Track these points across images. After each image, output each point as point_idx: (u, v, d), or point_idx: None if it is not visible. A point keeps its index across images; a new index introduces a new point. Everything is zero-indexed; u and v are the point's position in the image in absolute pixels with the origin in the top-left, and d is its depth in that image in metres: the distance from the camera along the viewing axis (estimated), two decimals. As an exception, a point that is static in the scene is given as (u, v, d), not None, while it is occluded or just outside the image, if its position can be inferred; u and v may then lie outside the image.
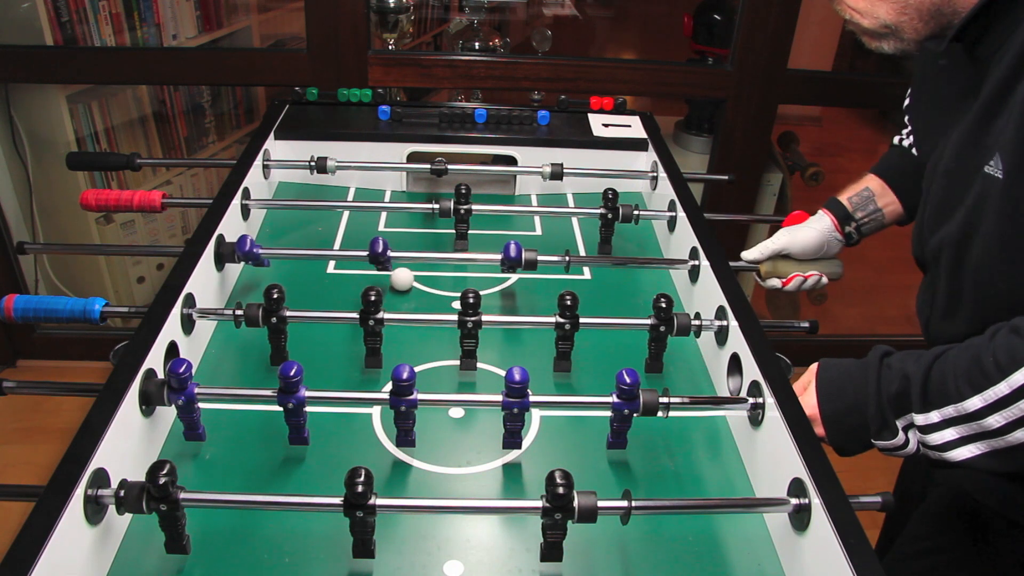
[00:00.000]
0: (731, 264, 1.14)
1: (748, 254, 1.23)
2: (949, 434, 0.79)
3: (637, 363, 1.07)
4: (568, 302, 1.00)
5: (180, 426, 0.90)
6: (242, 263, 1.22)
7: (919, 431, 0.82)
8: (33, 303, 1.00)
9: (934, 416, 0.80)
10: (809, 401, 0.89)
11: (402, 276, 1.21)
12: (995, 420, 0.75)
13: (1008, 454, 0.76)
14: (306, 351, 1.06)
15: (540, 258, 1.16)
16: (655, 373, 1.07)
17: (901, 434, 0.83)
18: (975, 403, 0.76)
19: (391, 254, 1.14)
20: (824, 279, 1.23)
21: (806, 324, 1.14)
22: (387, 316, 1.01)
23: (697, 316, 1.04)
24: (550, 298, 1.22)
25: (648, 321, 1.03)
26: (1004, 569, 1.02)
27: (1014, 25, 0.80)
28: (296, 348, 1.05)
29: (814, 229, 1.20)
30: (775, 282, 1.23)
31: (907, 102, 1.14)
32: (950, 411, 0.78)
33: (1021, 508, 0.97)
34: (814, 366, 0.93)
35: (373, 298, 0.99)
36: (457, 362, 1.05)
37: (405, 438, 0.89)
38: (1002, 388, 0.74)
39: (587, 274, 1.29)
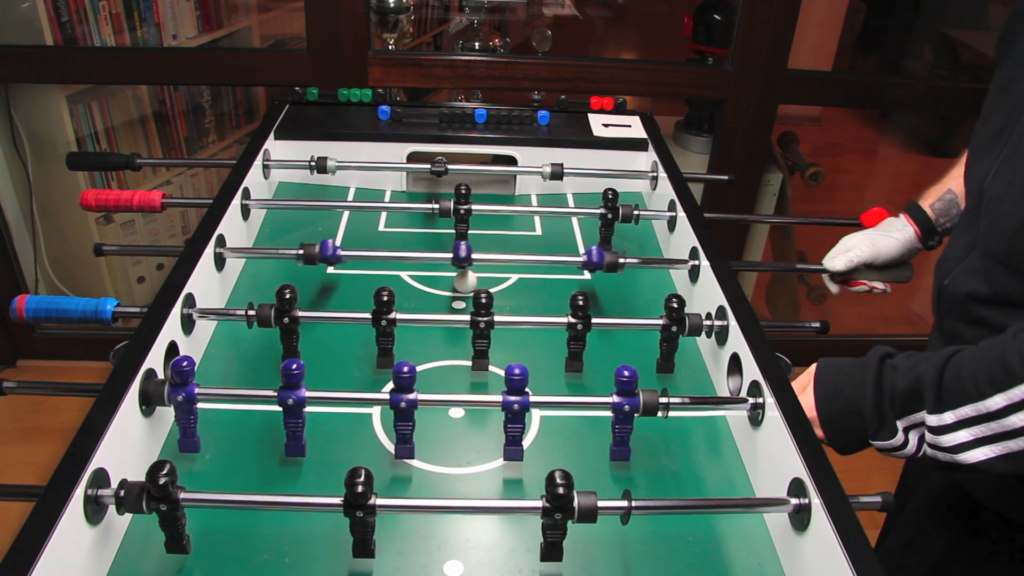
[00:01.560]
0: (730, 264, 1.14)
1: (834, 264, 1.20)
2: (962, 435, 0.77)
3: (647, 363, 1.07)
4: (580, 302, 1.00)
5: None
6: (242, 261, 1.23)
7: (931, 432, 0.80)
8: (45, 303, 1.01)
9: (948, 417, 0.78)
10: (807, 403, 0.89)
11: (470, 279, 1.21)
12: (1018, 419, 0.73)
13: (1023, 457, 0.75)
14: (315, 351, 1.06)
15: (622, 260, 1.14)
16: (667, 373, 1.07)
17: (900, 434, 0.82)
18: (998, 402, 0.74)
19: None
20: (889, 289, 1.22)
21: (816, 324, 1.14)
22: (399, 316, 1.01)
23: (709, 316, 1.04)
24: (550, 298, 1.23)
25: (660, 321, 1.03)
26: (993, 561, 1.02)
27: None
28: (303, 348, 1.05)
29: (897, 240, 1.18)
30: (834, 287, 1.23)
31: (1003, 35, 1.05)
32: (967, 411, 0.77)
33: (1011, 502, 0.97)
34: (813, 366, 0.93)
35: (386, 298, 1.00)
36: (466, 362, 1.06)
37: (404, 447, 0.89)
38: None
39: (587, 274, 1.29)
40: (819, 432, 0.87)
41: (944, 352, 0.81)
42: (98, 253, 1.24)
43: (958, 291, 0.96)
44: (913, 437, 0.82)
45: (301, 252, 1.11)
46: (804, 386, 0.92)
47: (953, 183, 1.19)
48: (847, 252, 1.20)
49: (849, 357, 0.90)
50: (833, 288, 1.24)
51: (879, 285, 1.20)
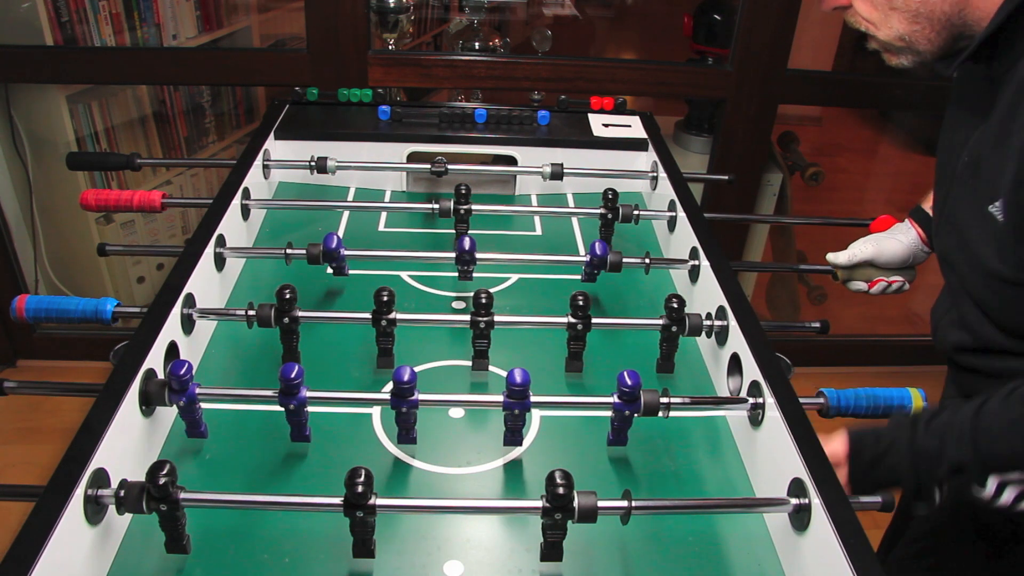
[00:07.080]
0: (730, 264, 1.13)
1: (836, 257, 1.21)
2: (1009, 493, 0.81)
3: (647, 363, 1.07)
4: (580, 302, 1.00)
5: (180, 426, 0.90)
6: (242, 261, 1.23)
7: (987, 501, 0.83)
8: (45, 303, 1.01)
9: (994, 482, 0.81)
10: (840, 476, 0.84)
11: None
12: None
13: None
14: (315, 351, 1.06)
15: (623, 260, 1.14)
16: (667, 373, 1.07)
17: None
18: None
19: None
20: (907, 285, 1.22)
21: (817, 324, 1.14)
22: (400, 316, 1.01)
23: (709, 316, 1.04)
24: (550, 298, 1.23)
25: (660, 321, 1.03)
26: (1006, 572, 1.02)
27: None
28: (303, 348, 1.05)
29: (901, 242, 1.18)
30: (861, 285, 1.22)
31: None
32: (1013, 476, 0.80)
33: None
34: (840, 443, 0.87)
35: (386, 298, 1.00)
36: (466, 362, 1.06)
37: (406, 436, 0.89)
38: None
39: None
40: (840, 473, 0.83)
41: (960, 429, 0.79)
42: (101, 253, 1.24)
43: (947, 341, 0.98)
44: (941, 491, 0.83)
45: (303, 252, 1.11)
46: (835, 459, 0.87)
47: None
48: (850, 249, 1.21)
49: (877, 431, 0.86)
50: (853, 287, 1.23)
51: (897, 279, 1.19)
